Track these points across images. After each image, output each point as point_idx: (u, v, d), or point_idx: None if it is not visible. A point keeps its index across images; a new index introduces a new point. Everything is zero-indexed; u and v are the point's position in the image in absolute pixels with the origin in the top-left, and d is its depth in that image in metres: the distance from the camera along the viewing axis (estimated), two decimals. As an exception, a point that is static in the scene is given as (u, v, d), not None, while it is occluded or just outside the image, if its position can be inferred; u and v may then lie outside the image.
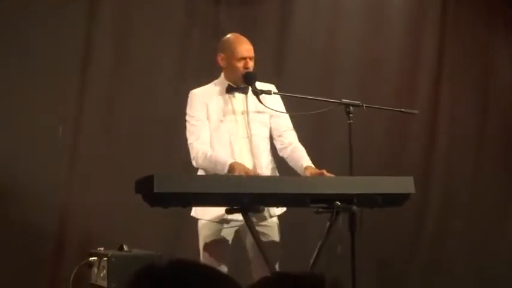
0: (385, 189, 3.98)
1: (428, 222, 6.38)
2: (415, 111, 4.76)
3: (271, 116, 4.31)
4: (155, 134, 5.64)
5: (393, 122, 6.21)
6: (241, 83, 4.24)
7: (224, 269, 4.10)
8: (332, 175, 4.08)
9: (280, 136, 4.34)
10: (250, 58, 4.24)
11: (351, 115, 4.11)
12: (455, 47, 6.51)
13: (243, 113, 4.26)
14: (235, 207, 3.87)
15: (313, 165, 4.19)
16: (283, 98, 4.38)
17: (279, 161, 4.37)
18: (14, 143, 5.27)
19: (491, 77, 6.63)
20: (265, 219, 4.20)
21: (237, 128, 4.24)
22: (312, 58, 6.15)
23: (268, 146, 4.34)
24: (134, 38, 5.67)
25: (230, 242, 4.24)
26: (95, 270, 4.50)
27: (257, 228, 4.06)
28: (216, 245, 4.21)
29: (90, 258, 4.54)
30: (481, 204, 6.45)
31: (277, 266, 4.14)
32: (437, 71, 6.48)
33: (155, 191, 3.60)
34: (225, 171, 4.02)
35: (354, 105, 4.14)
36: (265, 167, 4.26)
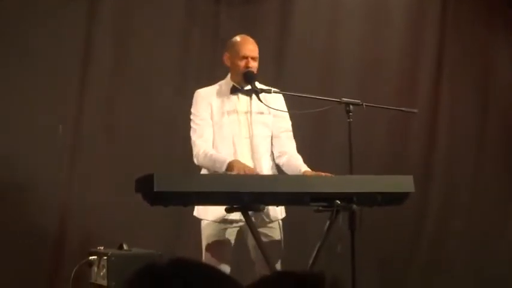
0: (385, 188, 3.99)
1: (428, 222, 6.38)
2: (415, 110, 4.77)
3: (274, 116, 4.32)
4: (155, 134, 5.63)
5: (393, 122, 6.21)
6: (242, 82, 4.25)
7: (226, 269, 4.11)
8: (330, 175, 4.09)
9: (277, 138, 4.34)
10: (252, 58, 4.26)
11: (350, 114, 4.12)
12: (455, 47, 6.51)
13: (246, 113, 4.27)
14: (235, 206, 3.88)
15: (310, 170, 4.21)
16: (283, 98, 4.39)
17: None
18: (14, 143, 5.27)
19: (491, 77, 6.63)
20: (266, 223, 4.20)
21: (239, 128, 4.25)
22: (312, 58, 6.15)
23: (270, 147, 4.34)
24: (134, 38, 5.67)
25: (233, 242, 4.25)
26: (95, 269, 4.50)
27: (259, 229, 4.07)
28: (218, 245, 4.21)
29: (90, 257, 4.54)
30: (481, 204, 6.45)
31: (278, 264, 4.15)
32: (437, 71, 6.48)
33: (155, 189, 3.61)
34: (223, 169, 4.03)
35: (353, 104, 4.15)
36: (266, 168, 4.26)
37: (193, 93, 4.41)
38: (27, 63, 5.33)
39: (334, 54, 6.23)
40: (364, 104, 4.19)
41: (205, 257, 4.21)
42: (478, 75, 6.59)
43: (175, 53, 5.78)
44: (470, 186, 6.49)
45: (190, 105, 4.38)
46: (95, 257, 4.51)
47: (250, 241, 4.18)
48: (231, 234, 4.23)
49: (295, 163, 4.28)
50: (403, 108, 4.58)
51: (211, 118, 4.25)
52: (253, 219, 4.01)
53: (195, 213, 4.27)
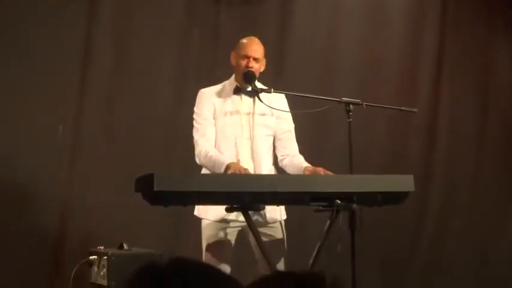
0: (385, 188, 3.99)
1: (428, 222, 6.38)
2: (415, 110, 4.77)
3: (277, 118, 4.32)
4: (155, 134, 5.63)
5: (393, 122, 6.21)
6: (243, 82, 4.25)
7: (226, 269, 4.11)
8: (330, 173, 4.09)
9: (279, 140, 4.34)
10: (255, 58, 4.26)
11: (350, 113, 4.12)
12: (455, 47, 6.51)
13: (248, 114, 4.27)
14: (235, 206, 3.88)
15: (311, 166, 4.21)
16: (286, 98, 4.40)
17: (280, 167, 4.39)
18: (14, 143, 5.27)
19: (491, 77, 6.63)
20: (266, 225, 4.20)
21: (241, 129, 4.25)
22: (312, 58, 6.16)
23: (272, 149, 4.35)
24: (134, 38, 5.67)
25: (233, 242, 4.25)
26: (95, 269, 4.50)
27: (260, 229, 4.08)
28: (219, 245, 4.21)
29: (90, 257, 4.54)
30: (481, 204, 6.45)
31: (282, 263, 4.14)
32: (437, 71, 6.48)
33: (155, 189, 3.60)
34: (221, 171, 4.03)
35: (353, 103, 4.15)
36: (266, 170, 4.26)
37: (193, 93, 4.41)
38: (27, 63, 5.33)
39: (334, 54, 6.23)
40: (364, 103, 4.19)
41: (205, 257, 4.21)
42: (478, 75, 6.59)
43: (175, 53, 5.78)
44: (470, 186, 6.49)
45: (190, 105, 4.39)
46: (95, 256, 4.51)
47: (253, 240, 4.18)
48: (231, 234, 4.23)
49: (297, 161, 4.28)
50: (403, 108, 4.58)
51: (214, 118, 4.25)
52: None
53: (195, 213, 4.27)
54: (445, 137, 6.46)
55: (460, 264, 6.34)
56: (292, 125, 4.39)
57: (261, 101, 4.18)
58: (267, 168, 4.27)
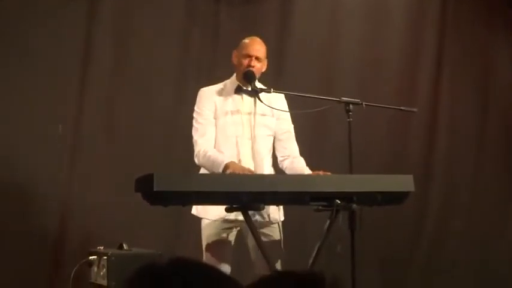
0: (385, 187, 3.99)
1: (428, 222, 6.39)
2: (415, 109, 4.77)
3: (277, 119, 4.32)
4: (155, 134, 5.64)
5: (393, 122, 6.21)
6: (242, 81, 4.25)
7: (226, 269, 4.10)
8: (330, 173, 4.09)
9: (280, 140, 4.34)
10: (256, 58, 4.25)
11: (350, 113, 4.11)
12: (455, 47, 6.51)
13: (249, 114, 4.26)
14: (235, 206, 3.88)
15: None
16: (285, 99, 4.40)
17: (279, 168, 4.38)
18: (14, 143, 5.27)
19: (491, 77, 6.63)
20: (266, 224, 4.20)
21: (242, 128, 4.24)
22: (312, 58, 6.16)
23: (271, 150, 4.34)
24: (134, 38, 5.67)
25: (233, 242, 4.25)
26: (95, 269, 4.50)
27: (260, 230, 4.07)
28: (218, 245, 4.21)
29: (90, 257, 4.54)
30: (481, 204, 6.45)
31: (278, 264, 4.14)
32: (437, 71, 6.48)
33: (155, 189, 3.60)
34: (220, 170, 4.02)
35: (353, 103, 4.14)
36: (267, 170, 4.26)
37: (193, 93, 4.40)
38: (27, 63, 5.33)
39: (334, 54, 6.23)
40: (363, 103, 4.18)
41: (205, 256, 4.21)
42: (478, 75, 6.59)
43: (175, 53, 5.78)
44: (470, 186, 6.49)
45: (190, 105, 4.37)
46: (95, 256, 4.51)
47: (250, 242, 4.18)
48: (231, 234, 4.23)
49: (298, 166, 4.27)
50: (402, 107, 4.58)
51: (215, 117, 4.24)
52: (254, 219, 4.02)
53: (193, 212, 4.26)
54: (445, 137, 6.46)
55: (460, 264, 6.34)
56: (292, 126, 4.39)
57: (261, 101, 4.18)
58: (267, 169, 4.27)
